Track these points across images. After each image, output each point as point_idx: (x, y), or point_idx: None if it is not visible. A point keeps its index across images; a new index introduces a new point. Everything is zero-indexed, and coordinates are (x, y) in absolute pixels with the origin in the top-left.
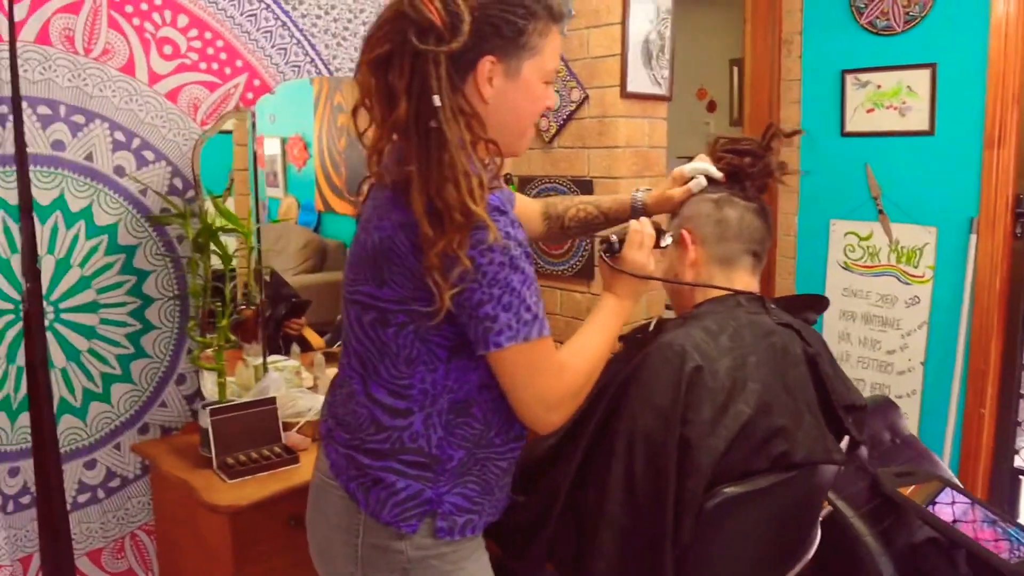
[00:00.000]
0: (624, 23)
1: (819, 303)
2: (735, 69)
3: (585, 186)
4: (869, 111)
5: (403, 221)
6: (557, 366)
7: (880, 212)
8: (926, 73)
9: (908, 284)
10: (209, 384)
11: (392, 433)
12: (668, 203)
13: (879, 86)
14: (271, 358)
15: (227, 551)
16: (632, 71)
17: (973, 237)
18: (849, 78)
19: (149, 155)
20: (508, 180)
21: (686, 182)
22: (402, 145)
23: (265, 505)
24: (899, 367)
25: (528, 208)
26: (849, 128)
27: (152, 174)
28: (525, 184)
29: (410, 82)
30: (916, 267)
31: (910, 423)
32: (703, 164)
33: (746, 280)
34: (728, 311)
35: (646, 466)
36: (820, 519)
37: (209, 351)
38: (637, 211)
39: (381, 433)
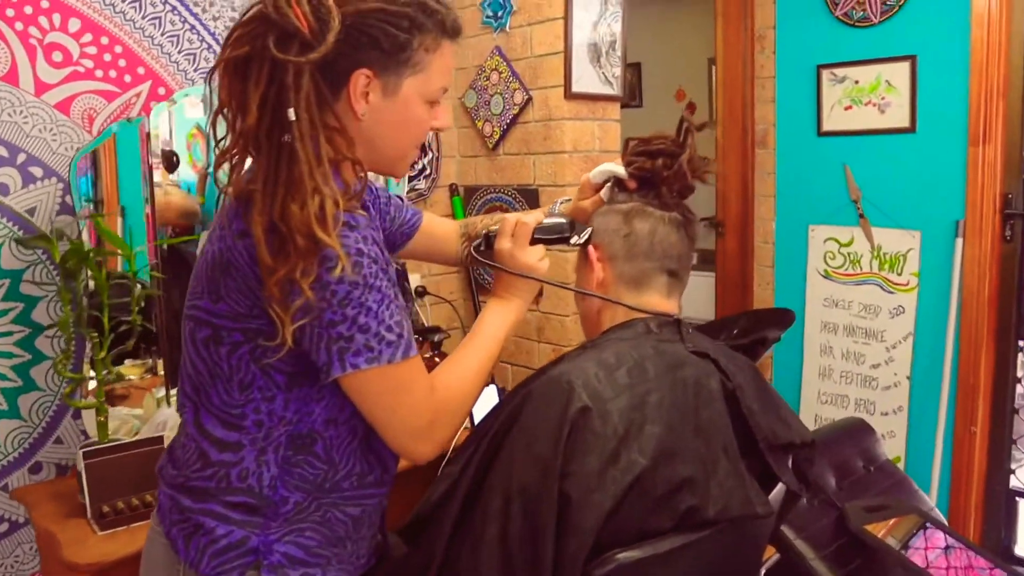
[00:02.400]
0: (567, 18)
1: (783, 318)
2: (713, 68)
3: (531, 195)
4: (847, 108)
5: (243, 230)
6: (426, 388)
7: (861, 216)
8: (905, 66)
9: (892, 293)
10: (90, 422)
11: (219, 469)
12: (581, 215)
13: (856, 81)
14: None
15: None
16: (577, 70)
17: (959, 241)
18: (825, 73)
19: (37, 171)
20: (453, 192)
21: (598, 189)
22: (253, 159)
23: (135, 560)
24: (884, 382)
25: (443, 229)
26: (826, 127)
27: (41, 192)
28: (471, 195)
29: (266, 91)
30: (900, 274)
31: (896, 442)
32: (610, 167)
33: (659, 303)
34: (633, 339)
35: (523, 526)
36: (765, 570)
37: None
38: None
39: (207, 469)
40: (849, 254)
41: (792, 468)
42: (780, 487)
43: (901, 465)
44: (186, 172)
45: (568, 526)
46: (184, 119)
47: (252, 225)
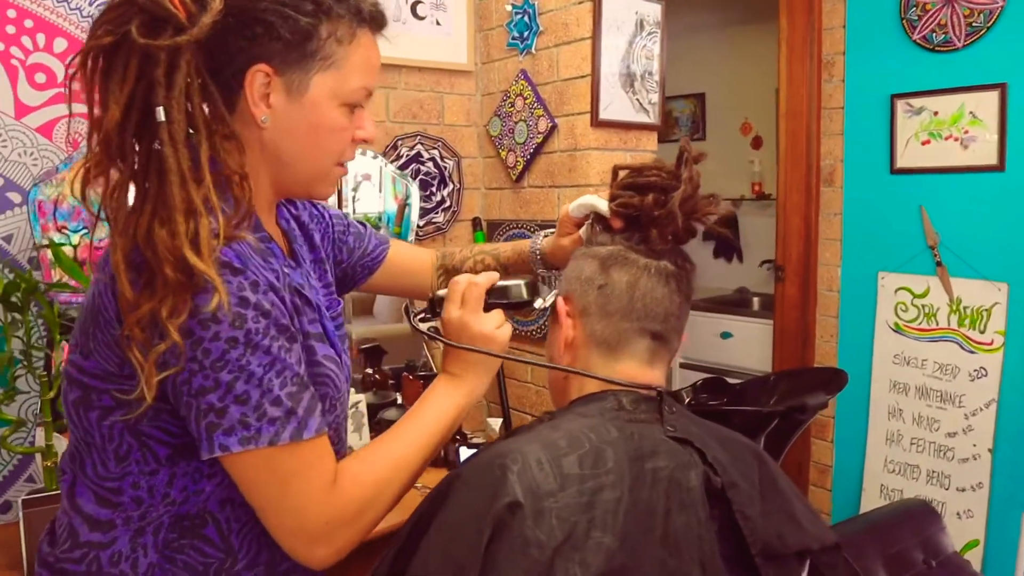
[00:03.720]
0: (595, 39)
1: (831, 381)
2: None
3: None
4: (924, 143)
5: (112, 275)
6: (324, 481)
7: (938, 264)
8: (993, 96)
9: (973, 352)
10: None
11: (88, 551)
12: (561, 252)
13: (936, 113)
14: None
15: None
16: (607, 95)
17: None
18: (900, 104)
19: (15, 197)
20: (476, 226)
21: (578, 226)
22: (118, 172)
23: None
24: (961, 453)
25: (415, 261)
26: (900, 163)
27: (19, 219)
28: (494, 229)
29: (133, 88)
30: (983, 332)
31: (974, 523)
32: (591, 200)
33: (636, 371)
34: (598, 416)
35: None
36: None
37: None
38: (535, 261)
39: (76, 550)
40: (924, 306)
41: None
42: None
43: (978, 551)
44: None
45: None
46: None
47: (112, 250)
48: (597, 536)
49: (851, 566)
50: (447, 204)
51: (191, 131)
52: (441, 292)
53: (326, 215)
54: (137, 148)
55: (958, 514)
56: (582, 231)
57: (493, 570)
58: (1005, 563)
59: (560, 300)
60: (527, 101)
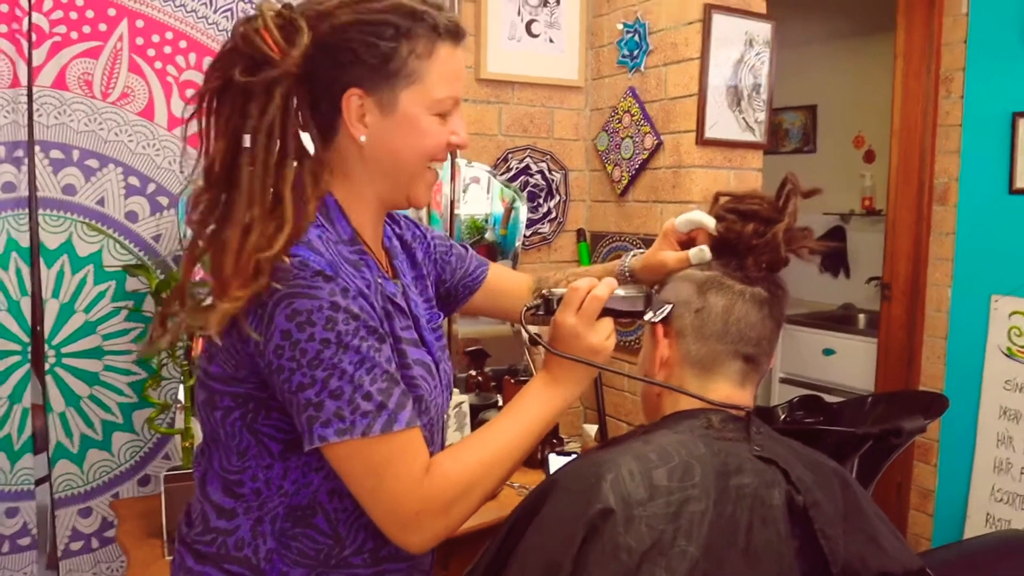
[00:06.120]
0: (704, 58)
1: (930, 405)
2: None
3: None
4: None
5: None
6: (415, 471)
7: None
8: None
9: None
10: (179, 446)
11: (217, 536)
12: (659, 269)
13: None
14: None
15: None
16: (713, 114)
17: None
18: (1022, 122)
19: (164, 200)
20: (580, 237)
21: (683, 241)
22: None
23: None
24: None
25: (513, 284)
26: (1020, 183)
27: (167, 220)
28: (597, 241)
29: (238, 122)
30: None
31: None
32: (699, 216)
33: (729, 392)
34: (688, 433)
35: None
36: None
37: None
38: (625, 280)
39: (208, 534)
40: None
41: None
42: None
43: None
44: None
45: None
46: None
47: (184, 258)
48: (682, 545)
49: None
50: (553, 215)
51: (281, 157)
52: (558, 291)
53: (427, 236)
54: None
55: None
56: (691, 255)
57: (584, 571)
58: None
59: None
60: (634, 118)
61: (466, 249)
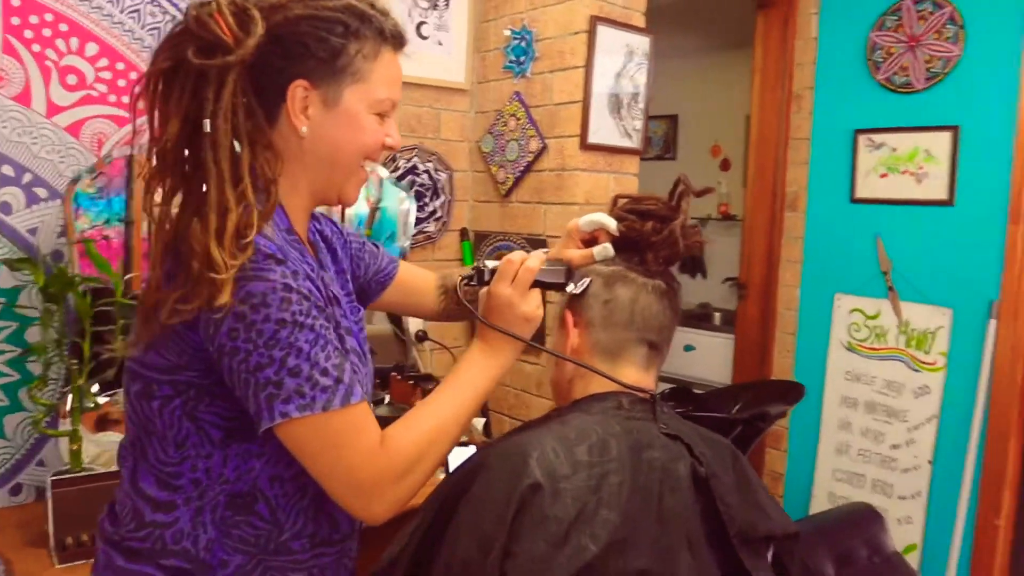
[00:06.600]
0: (588, 67)
1: (788, 393)
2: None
3: (539, 245)
4: (882, 176)
5: (170, 271)
6: (371, 441)
7: (890, 289)
8: (947, 136)
9: (918, 371)
10: (65, 449)
11: (153, 530)
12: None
13: (894, 149)
14: None
15: None
16: (596, 120)
17: (993, 322)
18: (862, 139)
19: (42, 192)
20: (463, 236)
21: (586, 240)
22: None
23: None
24: (904, 464)
25: (423, 280)
26: (860, 194)
27: (44, 212)
28: (480, 240)
29: (188, 105)
30: (927, 353)
31: (912, 529)
32: (601, 217)
33: (636, 376)
34: (601, 414)
35: None
36: None
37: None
38: None
39: (142, 529)
40: (875, 327)
41: (772, 562)
42: None
43: (916, 554)
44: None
45: None
46: None
47: (153, 241)
48: (604, 513)
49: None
50: (439, 215)
51: (234, 142)
52: (489, 263)
53: (343, 232)
54: (187, 158)
55: (898, 520)
56: (595, 252)
57: (517, 541)
58: (938, 567)
59: (567, 313)
60: (520, 122)
61: (376, 247)
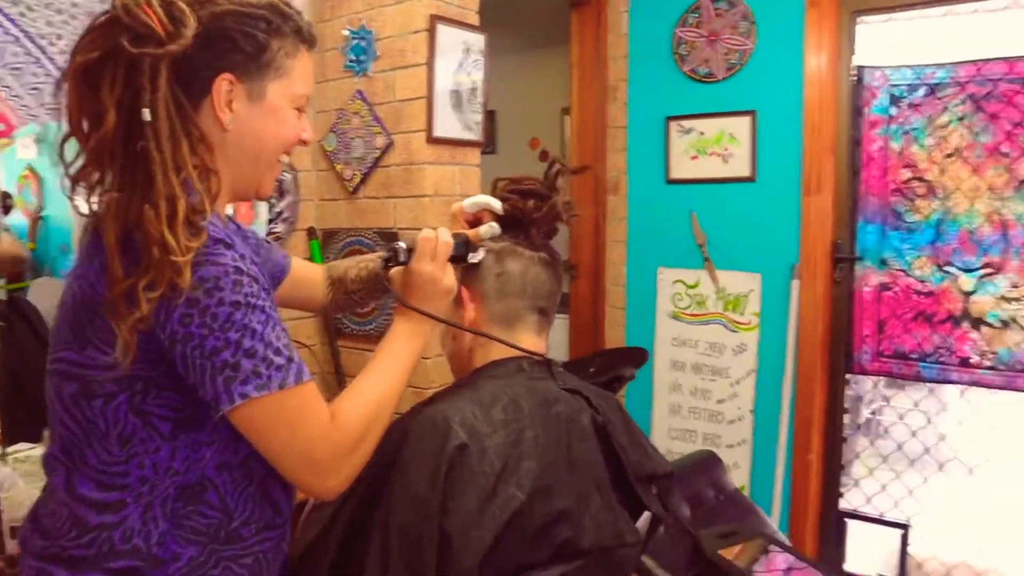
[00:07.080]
0: (430, 64)
1: (636, 356)
2: (566, 118)
3: (391, 238)
4: (693, 158)
5: (104, 264)
6: (324, 416)
7: (706, 260)
8: (746, 120)
9: (735, 332)
10: None
11: (99, 534)
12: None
13: (702, 133)
14: (16, 447)
15: None
16: (440, 115)
17: (795, 283)
18: (673, 125)
19: None
20: (311, 235)
21: (470, 221)
22: (111, 172)
23: None
24: (729, 416)
25: (314, 273)
26: (674, 175)
27: None
28: (329, 238)
29: (121, 94)
30: (742, 314)
31: (741, 473)
32: (485, 199)
33: (532, 341)
34: (507, 377)
35: (403, 569)
36: None
37: None
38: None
39: (85, 535)
40: (695, 295)
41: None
42: (642, 519)
43: (746, 493)
44: (16, 216)
45: (449, 565)
46: (15, 160)
47: (104, 233)
48: (525, 464)
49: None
50: (286, 215)
51: (172, 128)
52: (400, 244)
53: (242, 228)
54: (127, 148)
55: (729, 466)
56: (482, 232)
57: (452, 498)
58: (765, 501)
59: (462, 288)
60: (363, 119)
61: (269, 243)
